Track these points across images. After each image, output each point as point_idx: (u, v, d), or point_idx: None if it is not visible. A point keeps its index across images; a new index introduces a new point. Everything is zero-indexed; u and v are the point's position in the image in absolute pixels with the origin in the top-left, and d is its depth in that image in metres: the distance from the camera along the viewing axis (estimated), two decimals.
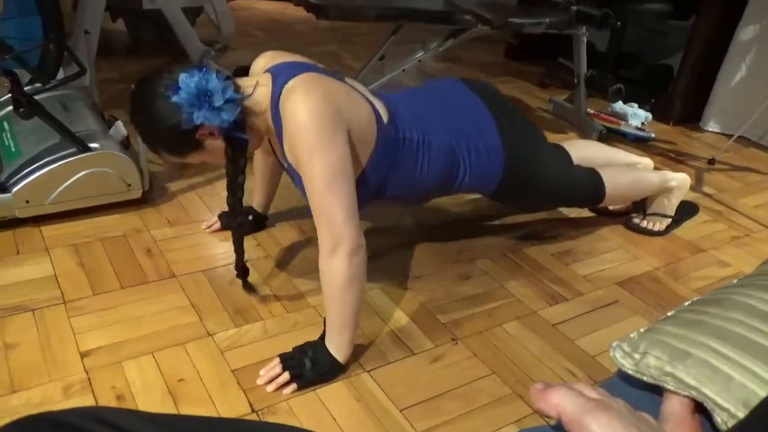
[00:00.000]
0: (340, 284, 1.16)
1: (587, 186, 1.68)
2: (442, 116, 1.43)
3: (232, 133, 1.22)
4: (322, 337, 1.24)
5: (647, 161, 1.92)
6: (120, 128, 1.78)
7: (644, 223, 1.89)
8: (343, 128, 1.18)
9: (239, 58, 3.03)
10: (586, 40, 2.51)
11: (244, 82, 1.27)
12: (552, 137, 2.58)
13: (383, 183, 1.36)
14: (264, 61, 1.36)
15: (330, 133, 1.15)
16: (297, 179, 1.29)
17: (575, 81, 2.61)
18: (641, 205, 1.90)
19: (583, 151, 1.82)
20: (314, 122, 1.14)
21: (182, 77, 1.18)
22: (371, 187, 1.33)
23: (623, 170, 1.78)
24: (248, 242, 1.66)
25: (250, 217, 1.69)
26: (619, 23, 2.51)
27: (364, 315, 1.37)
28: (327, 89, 1.20)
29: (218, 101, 1.18)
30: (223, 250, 1.62)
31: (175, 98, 1.17)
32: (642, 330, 0.74)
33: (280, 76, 1.25)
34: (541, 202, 1.69)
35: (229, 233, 1.67)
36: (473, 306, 1.50)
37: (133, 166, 1.70)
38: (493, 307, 1.50)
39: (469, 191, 1.51)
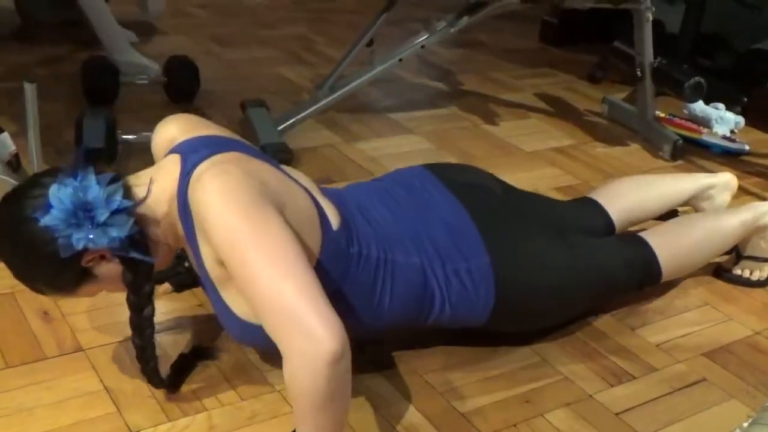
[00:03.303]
0: (318, 402, 1.13)
1: (632, 267, 1.67)
2: (413, 227, 1.46)
3: (128, 253, 1.26)
4: None
5: (726, 178, 1.94)
6: (5, 142, 1.78)
7: (738, 271, 1.90)
8: (273, 206, 1.22)
9: (171, 46, 3.05)
10: (651, 18, 2.55)
11: (138, 180, 1.32)
12: (608, 151, 2.61)
13: None
14: (174, 130, 1.42)
15: (254, 209, 1.19)
16: (215, 300, 1.33)
17: (638, 73, 2.64)
18: (733, 247, 1.91)
19: (627, 198, 1.85)
20: (231, 201, 1.18)
21: (52, 190, 1.22)
22: None
23: (685, 226, 1.79)
24: (186, 301, 1.66)
25: (187, 264, 1.69)
26: None
27: (353, 406, 1.36)
28: (247, 167, 1.25)
29: (102, 215, 1.22)
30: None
31: (45, 220, 1.21)
32: (746, 424, 0.74)
33: (188, 161, 1.29)
34: (562, 316, 1.66)
35: (157, 289, 1.67)
36: (503, 388, 1.49)
37: None
38: (531, 389, 1.50)
39: (452, 324, 1.51)
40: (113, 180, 1.26)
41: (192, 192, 1.23)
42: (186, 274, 1.68)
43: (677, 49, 3.11)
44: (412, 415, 1.41)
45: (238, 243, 1.17)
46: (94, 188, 1.22)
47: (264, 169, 1.30)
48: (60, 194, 1.21)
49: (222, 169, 1.23)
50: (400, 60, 2.41)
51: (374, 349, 1.55)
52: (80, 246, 1.22)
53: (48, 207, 1.21)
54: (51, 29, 3.25)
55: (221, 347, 1.53)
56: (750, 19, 3.20)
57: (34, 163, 1.71)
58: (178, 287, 1.68)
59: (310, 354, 1.10)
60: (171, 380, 1.41)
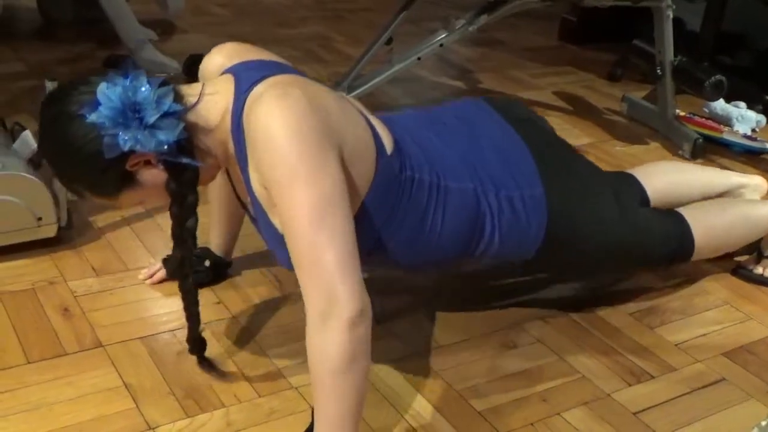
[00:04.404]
0: (336, 366, 1.14)
1: (668, 237, 1.68)
2: (463, 153, 1.45)
3: (175, 159, 1.24)
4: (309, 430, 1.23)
5: (758, 181, 1.93)
6: (27, 140, 1.80)
7: (759, 270, 1.89)
8: (334, 144, 1.19)
9: (191, 44, 3.08)
10: (672, 16, 2.54)
11: (191, 89, 1.29)
12: (627, 150, 2.60)
13: (379, 237, 1.36)
14: (221, 58, 1.38)
15: (316, 150, 1.15)
16: (264, 224, 1.30)
17: (658, 72, 2.63)
18: (755, 246, 1.89)
19: (662, 178, 1.84)
20: (293, 137, 1.14)
21: (101, 88, 1.20)
22: (362, 240, 1.33)
23: (720, 207, 1.79)
24: (205, 298, 1.66)
25: (207, 263, 1.70)
26: None
27: (368, 399, 1.36)
28: (308, 92, 1.21)
29: (151, 116, 1.20)
30: (168, 308, 1.62)
31: (92, 117, 1.19)
32: (764, 423, 0.73)
33: (243, 80, 1.27)
34: (603, 267, 1.68)
35: (176, 285, 1.67)
36: (521, 387, 1.49)
37: (46, 192, 1.72)
38: (549, 388, 1.50)
39: (497, 260, 1.51)
40: (164, 83, 1.23)
41: (249, 113, 1.20)
42: (205, 273, 1.69)
43: (698, 47, 3.09)
44: (429, 413, 1.41)
45: (290, 188, 1.14)
46: (144, 89, 1.20)
47: (324, 93, 1.25)
48: (109, 92, 1.18)
49: (284, 92, 1.18)
50: (419, 58, 2.41)
51: (391, 346, 1.55)
52: (126, 147, 1.19)
53: (96, 104, 1.19)
54: (72, 28, 3.28)
55: (240, 344, 1.54)
56: None
57: None
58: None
59: (332, 316, 1.12)
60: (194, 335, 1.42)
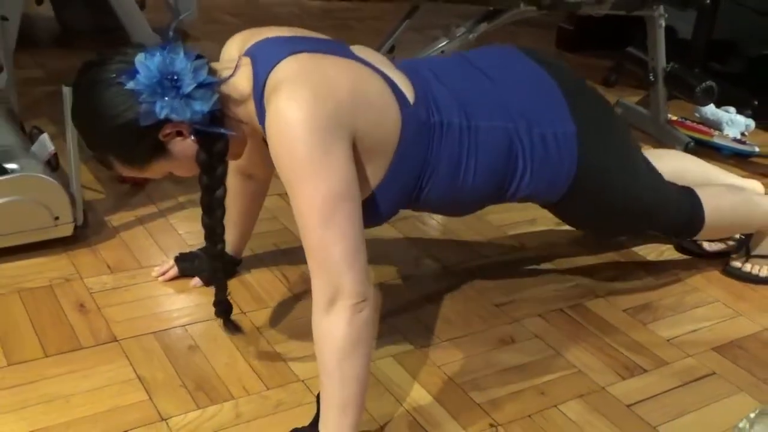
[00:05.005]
0: (340, 350, 1.15)
1: (681, 207, 1.67)
2: (493, 92, 1.40)
3: (207, 129, 1.24)
4: (316, 422, 1.23)
5: (755, 186, 1.92)
6: (45, 143, 1.80)
7: (748, 267, 1.89)
8: (343, 134, 1.18)
9: (203, 52, 3.07)
10: (664, 24, 2.54)
11: (221, 64, 1.30)
12: None
13: (416, 185, 1.35)
14: (238, 44, 1.38)
15: (322, 150, 1.15)
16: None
17: (650, 78, 2.63)
18: (744, 245, 1.89)
19: (671, 162, 1.82)
20: (304, 132, 1.14)
21: (139, 57, 1.19)
22: (400, 193, 1.33)
23: (727, 190, 1.78)
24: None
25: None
26: (708, 0, 2.54)
27: (371, 392, 1.36)
28: (323, 79, 1.20)
29: (188, 86, 1.20)
30: (180, 304, 1.62)
31: (130, 84, 1.18)
32: (753, 414, 0.73)
33: (263, 59, 1.26)
34: (620, 223, 1.64)
35: (188, 282, 1.68)
36: (519, 380, 1.49)
37: (63, 193, 1.72)
38: (546, 381, 1.50)
39: (527, 199, 1.48)
40: (199, 56, 1.23)
41: (269, 95, 1.20)
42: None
43: (689, 54, 3.09)
44: (430, 404, 1.41)
45: (300, 176, 1.15)
46: (181, 60, 1.20)
47: (335, 71, 1.23)
48: (147, 62, 1.19)
49: (292, 94, 1.17)
50: None
51: (394, 341, 1.55)
52: (162, 115, 1.19)
53: (134, 72, 1.19)
54: (88, 36, 3.28)
55: (249, 339, 1.54)
56: (761, 25, 3.18)
57: (72, 163, 1.72)
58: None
59: (337, 302, 1.15)
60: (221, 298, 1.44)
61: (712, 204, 1.70)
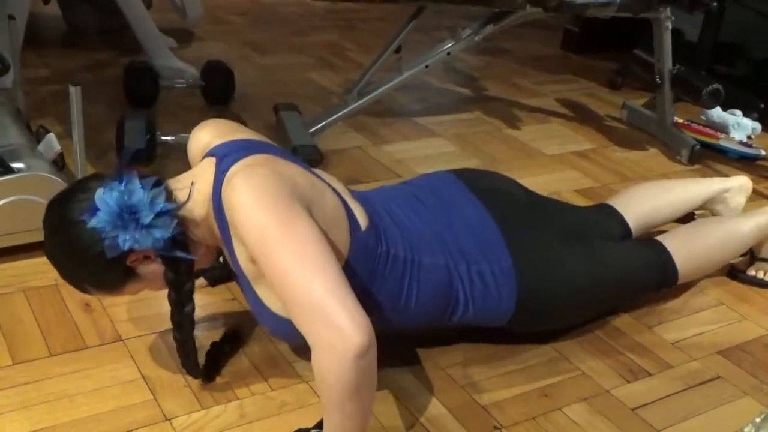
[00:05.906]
0: (344, 393, 1.13)
1: (650, 266, 1.67)
2: (436, 229, 1.45)
3: (170, 253, 1.27)
4: (320, 424, 1.23)
5: (742, 181, 1.92)
6: (52, 142, 1.80)
7: (752, 272, 1.89)
8: (302, 205, 1.21)
9: (209, 51, 3.08)
10: (671, 27, 2.53)
11: (179, 183, 1.33)
12: (627, 155, 2.59)
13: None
14: (207, 136, 1.42)
15: (284, 206, 1.18)
16: (251, 299, 1.34)
17: (657, 80, 2.63)
18: (749, 249, 1.89)
19: (643, 204, 1.83)
20: (260, 200, 1.18)
21: (98, 194, 1.23)
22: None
23: (702, 233, 1.77)
24: (220, 295, 1.67)
25: (222, 259, 1.70)
26: (715, 3, 2.53)
27: (377, 395, 1.36)
28: (277, 168, 1.25)
29: (147, 217, 1.24)
30: None
31: (92, 222, 1.23)
32: (758, 419, 0.73)
33: (224, 161, 1.30)
34: (581, 317, 1.65)
35: (197, 281, 1.68)
36: (523, 383, 1.49)
37: None
38: (550, 384, 1.50)
39: (477, 323, 1.51)
40: (156, 184, 1.27)
41: (224, 193, 1.24)
42: (221, 270, 1.69)
43: (696, 56, 3.09)
44: (435, 407, 1.41)
45: (267, 241, 1.17)
46: (138, 192, 1.24)
47: (293, 170, 1.30)
48: (106, 197, 1.23)
49: (252, 171, 1.23)
50: (427, 66, 2.41)
51: (399, 344, 1.55)
52: (126, 246, 1.23)
53: (95, 210, 1.23)
54: (95, 36, 3.29)
55: (253, 340, 1.54)
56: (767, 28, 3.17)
57: (77, 162, 1.73)
58: (213, 282, 1.69)
59: (339, 348, 1.09)
60: (207, 370, 1.42)
61: (683, 255, 1.69)
